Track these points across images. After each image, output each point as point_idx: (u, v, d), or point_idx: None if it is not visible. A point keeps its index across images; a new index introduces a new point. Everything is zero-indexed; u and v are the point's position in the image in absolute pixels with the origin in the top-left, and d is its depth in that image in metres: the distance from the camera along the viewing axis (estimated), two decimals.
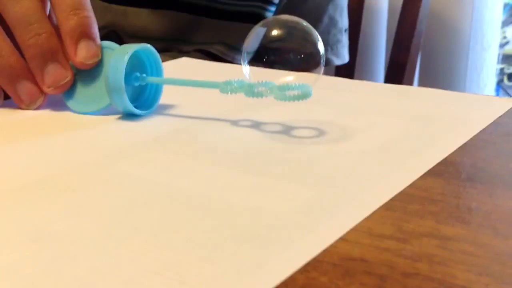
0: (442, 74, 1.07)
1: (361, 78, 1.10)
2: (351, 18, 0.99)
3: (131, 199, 0.25)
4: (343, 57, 0.81)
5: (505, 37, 2.24)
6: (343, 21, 0.80)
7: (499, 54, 1.92)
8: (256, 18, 0.73)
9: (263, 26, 0.33)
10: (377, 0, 1.10)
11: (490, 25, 1.07)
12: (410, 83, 0.96)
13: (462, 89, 1.06)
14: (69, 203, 0.25)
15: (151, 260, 0.20)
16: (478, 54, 1.07)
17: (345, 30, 0.81)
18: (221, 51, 0.73)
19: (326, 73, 1.04)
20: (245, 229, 0.22)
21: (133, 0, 0.75)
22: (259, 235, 0.22)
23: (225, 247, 0.21)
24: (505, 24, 2.25)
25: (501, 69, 2.09)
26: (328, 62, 0.79)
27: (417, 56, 0.97)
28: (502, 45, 2.20)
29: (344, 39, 0.80)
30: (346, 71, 1.01)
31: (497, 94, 2.05)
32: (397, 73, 0.95)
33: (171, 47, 0.75)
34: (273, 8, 0.74)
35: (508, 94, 2.13)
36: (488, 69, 1.10)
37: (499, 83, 2.09)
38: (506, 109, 0.37)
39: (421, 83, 1.09)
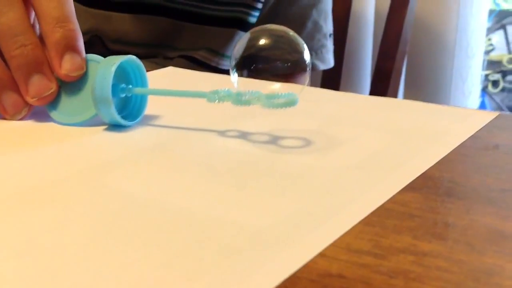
0: (428, 82, 1.08)
1: (347, 85, 1.11)
2: (338, 25, 1.00)
3: (114, 213, 0.25)
4: (328, 62, 0.81)
5: (491, 44, 2.26)
6: (328, 26, 0.80)
7: (484, 61, 1.94)
8: (239, 23, 0.73)
9: (251, 35, 0.33)
10: (363, 8, 1.11)
11: (475, 33, 1.08)
12: (395, 90, 0.97)
13: (447, 97, 1.08)
14: (52, 217, 0.25)
15: (132, 276, 0.20)
16: (463, 61, 1.08)
17: (330, 35, 0.81)
18: (206, 57, 0.73)
19: (313, 79, 1.04)
20: (225, 245, 0.23)
21: (116, 5, 0.76)
22: (239, 250, 0.22)
23: (204, 263, 0.21)
24: (491, 30, 2.28)
25: (486, 76, 2.11)
26: (313, 67, 0.79)
27: (402, 64, 0.98)
28: (488, 52, 2.22)
29: (329, 44, 0.81)
30: (333, 78, 1.01)
31: (483, 101, 2.07)
32: (383, 80, 0.96)
33: (156, 52, 0.75)
34: (256, 13, 0.74)
35: (494, 101, 2.15)
36: (473, 76, 1.11)
37: (484, 89, 2.11)
38: (486, 122, 0.37)
39: (407, 91, 1.10)
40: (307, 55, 0.33)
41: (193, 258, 0.22)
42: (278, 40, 0.33)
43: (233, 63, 0.33)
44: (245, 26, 0.74)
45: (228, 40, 0.73)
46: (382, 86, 0.96)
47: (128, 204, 0.26)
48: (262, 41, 0.33)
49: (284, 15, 0.76)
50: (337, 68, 1.01)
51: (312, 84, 1.11)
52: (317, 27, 0.78)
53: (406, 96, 1.10)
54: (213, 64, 0.74)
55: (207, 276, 0.20)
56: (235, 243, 0.23)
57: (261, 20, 0.75)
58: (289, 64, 0.33)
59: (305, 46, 0.33)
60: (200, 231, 0.24)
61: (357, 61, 1.14)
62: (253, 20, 0.74)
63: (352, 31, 1.06)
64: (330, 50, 0.82)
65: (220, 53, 0.74)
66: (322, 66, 0.81)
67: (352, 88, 1.13)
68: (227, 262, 0.21)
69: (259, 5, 0.74)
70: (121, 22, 0.75)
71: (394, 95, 0.98)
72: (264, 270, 0.21)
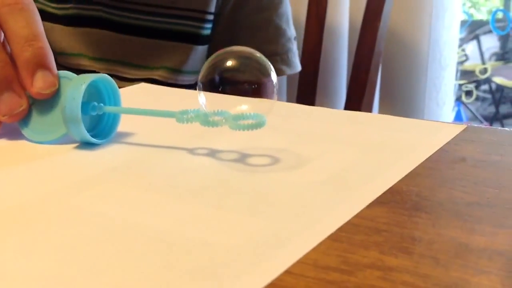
0: (402, 93, 1.10)
1: (323, 98, 1.11)
2: (312, 38, 1.01)
3: (83, 234, 0.25)
4: (296, 66, 0.82)
5: (464, 54, 2.30)
6: (291, 29, 0.81)
7: (458, 71, 1.97)
8: (192, 37, 0.73)
9: (216, 57, 0.33)
10: (337, 21, 1.12)
11: (447, 44, 1.10)
12: (370, 102, 0.98)
13: (422, 107, 1.09)
14: (20, 240, 0.25)
15: None
16: (436, 72, 1.09)
17: (294, 38, 0.82)
18: (165, 76, 0.74)
19: (288, 92, 1.04)
20: (193, 265, 0.23)
21: (56, 17, 0.75)
22: (206, 270, 0.22)
23: (173, 284, 0.21)
24: (464, 41, 2.32)
25: (460, 85, 2.14)
26: (280, 73, 0.79)
27: (376, 76, 0.99)
28: (461, 62, 2.25)
29: (294, 47, 0.81)
30: (308, 91, 1.02)
31: (458, 110, 2.10)
32: (358, 92, 0.97)
33: (110, 68, 0.74)
34: (208, 25, 0.74)
35: (469, 110, 2.18)
36: (446, 87, 1.12)
37: (459, 99, 2.14)
38: (453, 136, 0.38)
39: (382, 102, 1.11)
40: (274, 76, 0.33)
41: (160, 280, 0.22)
42: (244, 62, 0.33)
43: (200, 85, 0.33)
44: (198, 39, 0.74)
45: (185, 56, 0.74)
46: (357, 98, 0.97)
47: (98, 225, 0.26)
48: (229, 63, 0.33)
49: (245, 23, 0.76)
50: (312, 80, 1.02)
51: (288, 96, 1.12)
52: (280, 31, 0.78)
53: (381, 107, 1.11)
54: (172, 81, 0.74)
55: None
56: (203, 263, 0.23)
57: (222, 31, 0.76)
58: (256, 86, 0.33)
59: (272, 67, 0.33)
60: (168, 251, 0.24)
61: (332, 73, 1.15)
62: (206, 32, 0.74)
63: (327, 44, 1.07)
64: (296, 53, 0.82)
65: (178, 70, 0.74)
66: (289, 71, 0.81)
67: (328, 100, 1.14)
68: (194, 284, 0.21)
69: (210, 17, 0.74)
70: (62, 35, 0.75)
71: (369, 107, 0.99)
72: None
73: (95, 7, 0.74)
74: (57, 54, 0.72)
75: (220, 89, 0.33)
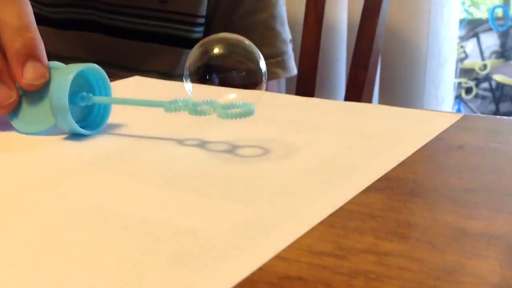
0: (401, 90, 1.09)
1: (321, 95, 1.11)
2: (310, 35, 1.00)
3: (65, 222, 0.25)
4: (291, 69, 0.81)
5: (464, 52, 2.29)
6: (286, 32, 0.80)
7: (457, 69, 1.96)
8: (183, 41, 0.73)
9: (205, 44, 0.33)
10: (335, 17, 1.12)
11: (446, 41, 1.09)
12: (369, 99, 0.98)
13: (421, 104, 1.08)
14: (4, 226, 0.24)
15: (80, 285, 0.20)
16: (435, 69, 1.09)
17: (290, 41, 0.81)
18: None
19: (287, 90, 1.04)
20: (178, 251, 0.22)
21: (47, 20, 0.75)
22: (193, 256, 0.22)
23: (156, 270, 0.21)
24: (464, 39, 2.31)
25: (460, 83, 2.14)
26: (276, 76, 0.79)
27: (375, 73, 0.99)
28: (461, 60, 2.25)
29: (290, 51, 0.81)
30: (307, 88, 1.01)
31: (458, 108, 2.10)
32: (356, 89, 0.97)
33: (106, 72, 0.74)
34: (199, 29, 0.74)
35: (469, 107, 2.18)
36: (445, 84, 1.12)
37: (459, 97, 2.14)
38: (449, 124, 0.37)
39: (381, 100, 1.10)
40: (262, 64, 0.32)
41: (144, 266, 0.21)
42: (232, 49, 0.33)
43: (187, 72, 0.32)
44: (190, 43, 0.73)
45: (176, 60, 0.73)
46: (356, 95, 0.97)
47: (81, 212, 0.25)
48: (216, 50, 0.32)
49: (239, 25, 0.76)
50: (311, 78, 1.01)
51: (287, 94, 1.11)
52: (275, 34, 0.78)
53: (381, 104, 1.10)
54: None
55: (157, 284, 0.20)
56: (188, 249, 0.22)
57: (216, 33, 0.75)
58: (244, 73, 0.32)
59: (260, 55, 0.32)
60: (153, 238, 0.23)
61: (331, 71, 1.14)
62: (196, 36, 0.74)
63: (325, 41, 1.06)
64: (292, 56, 0.81)
65: (169, 74, 0.74)
66: (285, 74, 0.80)
67: (327, 98, 1.13)
68: (180, 269, 0.21)
69: (201, 20, 0.74)
70: (56, 38, 0.75)
71: (369, 103, 0.98)
72: (217, 275, 0.20)
73: (87, 11, 0.74)
74: (51, 57, 0.72)
75: (207, 77, 0.32)
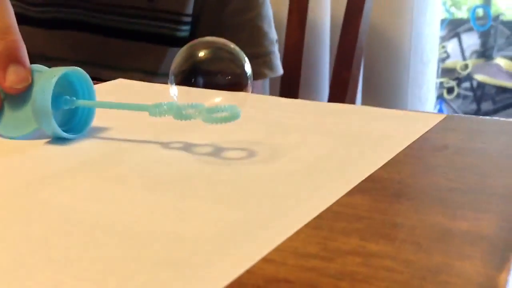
0: (385, 89, 1.10)
1: (306, 95, 1.11)
2: (294, 35, 1.00)
3: (49, 228, 0.24)
4: (278, 69, 0.81)
5: (445, 51, 2.31)
6: (272, 32, 0.80)
7: (439, 68, 1.98)
8: (168, 39, 0.73)
9: (190, 47, 0.32)
10: (319, 16, 1.12)
11: (429, 40, 1.10)
12: (353, 98, 0.98)
13: (404, 104, 1.09)
14: None
15: None
16: (418, 69, 1.10)
17: (276, 41, 0.81)
18: (139, 79, 0.73)
19: (271, 90, 1.04)
20: (164, 256, 0.22)
21: (33, 20, 0.74)
22: (179, 261, 0.21)
23: (142, 275, 0.21)
24: (445, 39, 2.33)
25: (441, 83, 2.15)
26: (262, 76, 0.79)
27: (359, 72, 0.99)
28: (443, 59, 2.27)
29: (276, 50, 0.81)
30: (291, 88, 1.02)
31: (440, 108, 2.11)
32: (340, 88, 0.97)
33: (88, 71, 0.74)
34: (185, 27, 0.74)
35: (451, 107, 2.20)
36: (428, 83, 1.13)
37: (441, 96, 2.15)
38: (433, 124, 0.37)
39: (364, 99, 1.11)
40: (248, 67, 0.32)
41: (130, 272, 0.21)
42: (218, 52, 0.33)
43: (172, 76, 0.32)
44: (175, 42, 0.73)
45: (159, 58, 0.73)
46: (340, 94, 0.97)
47: (65, 218, 0.25)
48: (202, 54, 0.32)
49: (227, 24, 0.76)
50: (295, 78, 1.01)
51: (271, 94, 1.11)
52: (262, 34, 0.78)
53: (364, 104, 1.11)
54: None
55: None
56: (174, 255, 0.22)
57: (203, 32, 0.75)
58: (229, 77, 0.32)
59: (246, 58, 0.32)
60: (139, 243, 0.23)
61: (315, 70, 1.14)
62: (182, 34, 0.74)
63: (309, 40, 1.07)
64: (278, 56, 0.81)
65: (154, 73, 0.73)
66: (271, 74, 0.80)
67: (311, 97, 1.14)
68: (165, 274, 0.21)
69: (187, 19, 0.74)
70: (43, 38, 0.74)
71: (352, 103, 0.99)
72: (203, 279, 0.20)
73: (74, 10, 0.73)
74: (37, 58, 0.72)
75: (192, 80, 0.32)
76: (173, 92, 0.32)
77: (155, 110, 0.33)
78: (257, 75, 0.77)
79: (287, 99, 0.46)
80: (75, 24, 0.74)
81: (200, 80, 0.32)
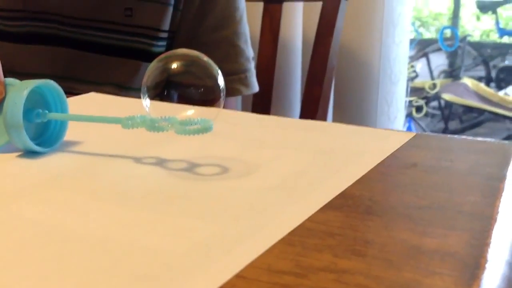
0: (355, 107, 1.11)
1: (277, 111, 1.12)
2: (266, 53, 1.01)
3: (21, 242, 0.24)
4: (253, 86, 0.81)
5: (414, 71, 2.36)
6: (249, 50, 0.81)
7: (408, 87, 2.02)
8: (142, 54, 0.73)
9: (163, 59, 0.32)
10: (291, 35, 1.13)
11: (397, 60, 1.12)
12: (324, 115, 0.99)
13: (373, 122, 1.10)
14: None
15: None
16: (387, 88, 1.12)
17: (252, 58, 0.82)
18: (112, 92, 0.73)
19: (243, 106, 1.04)
20: (138, 270, 0.22)
21: (8, 35, 0.74)
22: (152, 275, 0.21)
23: None
24: (414, 58, 2.38)
25: (410, 102, 2.19)
26: (238, 93, 0.79)
27: (330, 90, 1.00)
28: (412, 79, 2.31)
29: (252, 68, 0.81)
30: (263, 105, 1.02)
31: (409, 126, 2.15)
32: (312, 106, 0.98)
33: (61, 86, 0.74)
34: (161, 43, 0.74)
35: (419, 125, 2.23)
36: (397, 102, 1.15)
37: (409, 115, 2.19)
38: (403, 142, 0.38)
39: (335, 116, 1.12)
40: (221, 80, 0.32)
41: (104, 286, 0.21)
42: (191, 65, 0.33)
43: (145, 88, 0.32)
44: (150, 57, 0.73)
45: (133, 72, 0.73)
46: (311, 111, 0.98)
47: (35, 232, 0.25)
48: (175, 66, 0.32)
49: (203, 41, 0.76)
50: (267, 94, 1.02)
51: (243, 110, 1.12)
52: (238, 51, 0.78)
53: (335, 121, 1.12)
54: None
55: None
56: (148, 269, 0.22)
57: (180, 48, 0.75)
58: (202, 89, 0.32)
59: (219, 71, 0.33)
60: (112, 257, 0.23)
61: (286, 87, 1.15)
62: (157, 50, 0.74)
63: (281, 58, 1.08)
64: (254, 73, 0.82)
65: (125, 87, 0.73)
66: (247, 91, 0.81)
67: (282, 114, 1.14)
68: None
69: (163, 35, 0.74)
70: (14, 53, 0.74)
71: (323, 120, 1.00)
72: None
73: (50, 25, 0.73)
74: (8, 72, 0.71)
75: (165, 93, 0.32)
76: (145, 103, 0.32)
77: (128, 122, 0.33)
78: (232, 91, 0.77)
79: (261, 115, 0.46)
80: (50, 39, 0.74)
81: (173, 93, 0.32)
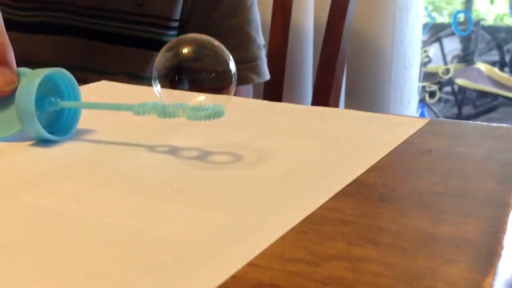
0: (367, 92, 1.10)
1: (289, 98, 1.11)
2: (278, 38, 1.00)
3: (33, 232, 0.24)
4: (265, 74, 0.81)
5: (427, 56, 2.33)
6: (260, 37, 0.80)
7: (421, 73, 2.00)
8: (154, 44, 0.73)
9: (174, 44, 0.32)
10: (302, 20, 1.12)
11: (411, 45, 1.11)
12: (336, 101, 0.99)
13: (387, 107, 1.10)
14: None
15: None
16: (400, 73, 1.11)
17: (264, 46, 0.81)
18: (124, 82, 0.73)
19: (254, 93, 1.04)
20: (150, 260, 0.22)
21: (21, 26, 0.74)
22: (164, 265, 0.21)
23: (127, 280, 0.20)
24: (427, 43, 2.35)
25: (423, 87, 2.17)
26: (249, 81, 0.79)
27: (342, 76, 1.00)
28: (424, 64, 2.29)
29: (263, 56, 0.81)
30: (275, 91, 1.02)
31: (422, 112, 2.13)
32: (324, 92, 0.97)
33: (80, 76, 0.74)
34: (172, 32, 0.74)
35: (433, 111, 2.21)
36: (410, 87, 1.14)
37: (422, 100, 2.17)
38: (417, 128, 0.38)
39: (347, 102, 1.11)
40: (232, 66, 0.32)
41: (115, 276, 0.21)
42: (202, 50, 0.32)
43: (156, 74, 0.32)
44: (161, 46, 0.73)
45: (145, 62, 0.73)
46: (323, 97, 0.97)
47: (50, 221, 0.25)
48: (185, 51, 0.32)
49: (214, 29, 0.76)
50: (279, 81, 1.01)
51: (255, 97, 1.11)
52: (250, 39, 0.78)
53: (347, 107, 1.11)
54: None
55: None
56: (160, 258, 0.22)
57: None
58: (213, 75, 0.32)
59: (230, 55, 0.32)
60: (124, 247, 0.23)
61: (298, 73, 1.15)
62: (169, 39, 0.74)
63: (292, 44, 1.07)
64: (265, 61, 0.82)
65: (138, 76, 0.73)
66: (258, 79, 0.80)
67: (294, 100, 1.14)
68: (151, 279, 0.20)
69: (174, 24, 0.74)
70: (27, 43, 0.74)
71: (335, 106, 0.99)
72: (189, 284, 0.20)
73: (64, 15, 0.73)
74: (21, 62, 0.71)
75: (176, 79, 0.32)
76: (157, 89, 0.32)
77: (139, 108, 0.32)
78: (243, 80, 0.77)
79: (272, 103, 0.46)
80: (62, 28, 0.74)
81: (184, 79, 0.32)
